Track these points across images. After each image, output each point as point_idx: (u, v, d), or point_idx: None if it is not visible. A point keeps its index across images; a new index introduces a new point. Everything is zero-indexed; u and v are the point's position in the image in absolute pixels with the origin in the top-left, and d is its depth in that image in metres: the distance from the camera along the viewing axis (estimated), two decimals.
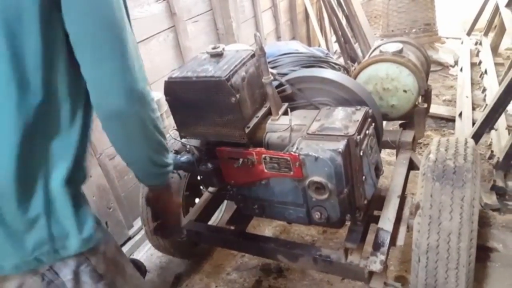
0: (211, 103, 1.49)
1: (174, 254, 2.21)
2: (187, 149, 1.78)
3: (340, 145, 1.35)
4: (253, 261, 2.33)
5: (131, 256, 2.37)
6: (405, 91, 1.92)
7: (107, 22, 0.84)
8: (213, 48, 1.59)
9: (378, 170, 1.58)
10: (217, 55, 1.57)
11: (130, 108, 0.89)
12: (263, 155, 1.49)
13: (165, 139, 1.06)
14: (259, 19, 4.01)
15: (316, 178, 1.40)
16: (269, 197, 1.60)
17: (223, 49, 1.60)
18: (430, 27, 4.59)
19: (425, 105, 2.02)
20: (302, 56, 2.15)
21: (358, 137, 1.39)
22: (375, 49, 2.20)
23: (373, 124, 1.55)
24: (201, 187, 2.45)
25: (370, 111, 1.54)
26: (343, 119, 1.47)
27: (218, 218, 2.56)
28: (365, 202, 1.51)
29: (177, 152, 1.87)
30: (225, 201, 2.44)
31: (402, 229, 1.64)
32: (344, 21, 4.64)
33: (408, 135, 1.99)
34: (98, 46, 0.84)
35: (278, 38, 4.49)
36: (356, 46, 4.58)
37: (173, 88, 1.53)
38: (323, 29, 5.15)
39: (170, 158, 1.12)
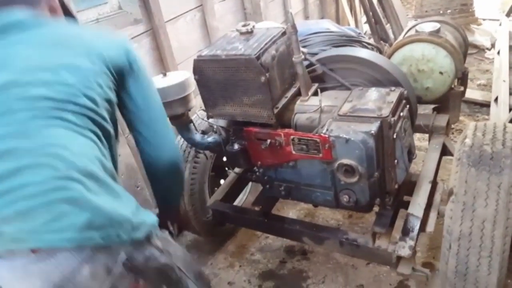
0: (240, 82, 1.47)
1: (200, 233, 2.24)
2: (214, 130, 1.78)
3: (373, 127, 1.31)
4: (277, 242, 2.34)
5: None
6: (441, 73, 1.84)
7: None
8: (243, 26, 1.56)
9: (410, 154, 1.53)
10: (247, 33, 1.54)
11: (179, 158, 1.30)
12: (292, 136, 1.47)
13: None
14: None
15: (346, 161, 1.37)
16: (296, 179, 1.58)
17: (253, 26, 1.56)
18: (467, 8, 4.37)
19: (461, 88, 1.94)
20: (333, 35, 2.09)
21: (392, 119, 1.34)
22: (410, 28, 2.11)
23: (408, 106, 1.49)
24: (227, 168, 2.46)
25: (405, 92, 1.48)
26: (376, 100, 1.42)
27: (242, 199, 2.58)
28: (396, 186, 1.47)
29: (204, 133, 1.87)
30: (250, 183, 2.44)
31: (433, 215, 1.59)
32: (375, 1, 4.47)
33: (442, 119, 1.92)
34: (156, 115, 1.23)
35: (307, 18, 4.38)
36: (387, 27, 4.42)
37: (202, 67, 1.51)
38: (353, 9, 4.99)
39: None
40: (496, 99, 3.06)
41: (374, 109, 1.38)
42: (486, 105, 3.19)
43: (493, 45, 4.22)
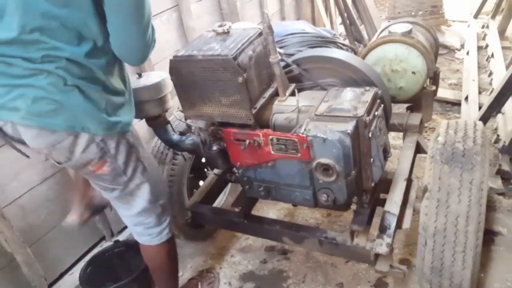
0: (217, 83, 1.46)
1: (179, 236, 2.22)
2: (192, 131, 1.76)
3: (349, 126, 1.33)
4: (257, 243, 2.34)
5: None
6: (413, 72, 1.88)
7: None
8: (220, 26, 1.55)
9: (386, 152, 1.56)
10: (224, 33, 1.54)
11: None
12: (270, 137, 1.47)
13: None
14: None
15: (324, 160, 1.38)
16: (275, 179, 1.58)
17: (230, 27, 1.56)
18: (437, 10, 4.51)
19: (434, 88, 1.99)
20: (309, 36, 2.12)
21: (367, 118, 1.36)
22: (383, 30, 2.15)
23: (382, 105, 1.52)
24: (206, 169, 2.44)
25: (379, 92, 1.51)
26: (352, 100, 1.44)
27: (222, 200, 2.56)
28: (373, 184, 1.50)
29: (182, 134, 1.85)
30: (230, 184, 2.44)
31: (408, 212, 1.63)
32: (349, 2, 4.55)
33: (415, 118, 1.97)
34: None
35: (283, 18, 4.41)
36: (361, 28, 4.51)
37: (178, 67, 1.50)
38: (328, 10, 5.05)
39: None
40: (466, 98, 3.17)
41: (350, 109, 1.40)
42: (457, 103, 3.30)
43: (462, 46, 4.37)
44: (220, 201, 2.54)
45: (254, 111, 1.50)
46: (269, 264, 2.19)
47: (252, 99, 1.50)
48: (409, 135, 1.97)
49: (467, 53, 4.03)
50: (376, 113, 1.45)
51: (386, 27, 2.11)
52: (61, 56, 1.15)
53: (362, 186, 1.50)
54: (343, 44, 2.12)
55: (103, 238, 2.38)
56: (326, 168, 1.39)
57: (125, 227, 2.44)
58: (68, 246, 2.15)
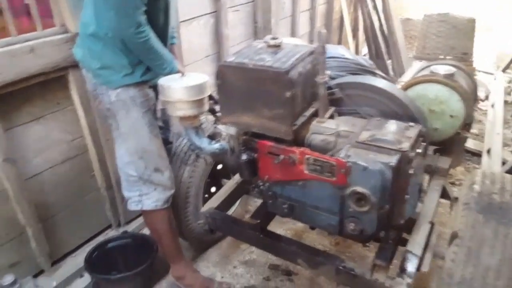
0: (263, 94, 1.44)
1: (187, 238, 2.18)
2: (223, 137, 1.74)
3: (393, 159, 1.30)
4: (262, 258, 2.30)
5: (141, 232, 2.33)
6: (451, 116, 1.87)
7: None
8: (272, 39, 1.55)
9: (420, 192, 1.53)
10: (275, 46, 1.53)
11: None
12: (307, 156, 1.44)
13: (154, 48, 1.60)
14: (297, 19, 3.97)
15: (360, 189, 1.35)
16: (302, 199, 1.55)
17: (282, 41, 1.56)
18: (467, 57, 4.51)
19: (467, 135, 1.97)
20: (348, 62, 2.11)
21: (412, 154, 1.34)
22: (423, 68, 2.15)
23: (424, 144, 1.50)
24: (223, 179, 2.41)
25: (424, 130, 1.49)
26: (396, 133, 1.42)
27: (231, 211, 2.53)
28: (402, 222, 1.47)
29: (210, 137, 1.83)
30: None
31: (428, 255, 1.59)
32: (380, 35, 4.58)
33: (445, 162, 1.93)
34: None
35: (311, 41, 4.44)
36: (388, 63, 4.53)
37: (226, 73, 1.48)
38: (355, 40, 5.09)
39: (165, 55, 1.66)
40: (489, 151, 3.14)
41: (394, 142, 1.38)
42: (477, 154, 3.28)
43: (487, 97, 4.37)
44: (229, 211, 2.50)
45: (294, 127, 1.48)
46: (272, 282, 2.14)
47: (294, 116, 1.48)
48: (436, 178, 1.93)
49: (492, 105, 4.04)
50: (418, 150, 1.42)
51: (427, 66, 2.10)
52: None
53: (391, 222, 1.47)
54: (383, 76, 2.11)
55: (109, 227, 2.34)
56: (360, 198, 1.36)
57: (134, 219, 2.40)
58: (76, 228, 2.13)
